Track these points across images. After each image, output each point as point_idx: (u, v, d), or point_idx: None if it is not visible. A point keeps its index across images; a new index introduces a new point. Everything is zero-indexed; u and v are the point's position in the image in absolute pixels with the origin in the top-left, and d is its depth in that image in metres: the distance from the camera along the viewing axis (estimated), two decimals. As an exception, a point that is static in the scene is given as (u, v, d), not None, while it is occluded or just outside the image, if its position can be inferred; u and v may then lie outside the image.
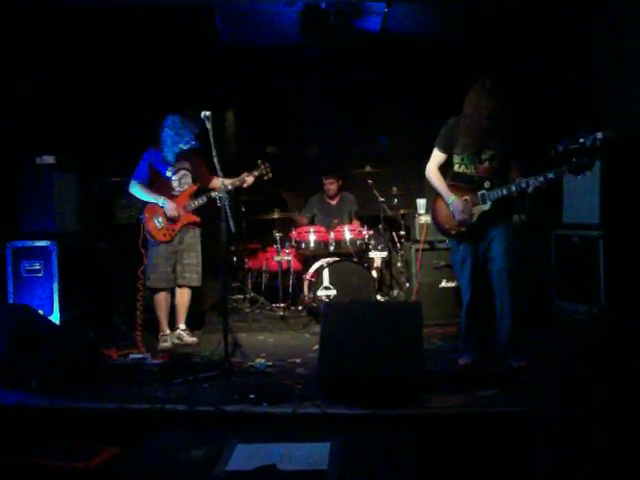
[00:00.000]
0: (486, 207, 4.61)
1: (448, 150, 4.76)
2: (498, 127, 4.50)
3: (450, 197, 4.72)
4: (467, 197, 4.66)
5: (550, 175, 4.38)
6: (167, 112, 5.94)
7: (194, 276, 5.93)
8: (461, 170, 4.71)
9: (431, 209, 5.03)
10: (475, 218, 4.65)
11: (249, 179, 5.95)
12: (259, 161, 6.08)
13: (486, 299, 4.76)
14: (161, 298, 5.89)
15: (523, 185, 4.44)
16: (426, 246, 6.52)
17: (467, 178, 4.70)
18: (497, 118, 4.47)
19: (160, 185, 5.85)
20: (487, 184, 4.60)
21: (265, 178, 6.10)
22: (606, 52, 6.09)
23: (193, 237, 5.95)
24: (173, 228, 5.78)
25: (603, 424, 1.16)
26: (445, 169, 4.85)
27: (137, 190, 5.83)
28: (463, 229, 4.70)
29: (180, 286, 5.93)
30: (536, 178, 4.40)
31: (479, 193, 4.62)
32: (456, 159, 4.72)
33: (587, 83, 6.43)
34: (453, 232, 4.79)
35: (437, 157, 4.83)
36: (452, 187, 4.76)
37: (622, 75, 5.80)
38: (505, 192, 4.52)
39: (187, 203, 5.84)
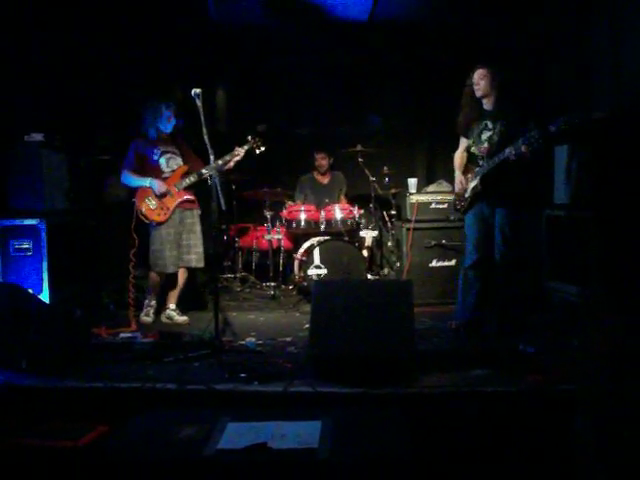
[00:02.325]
0: (474, 182, 5.02)
1: (465, 133, 5.21)
2: (490, 109, 4.99)
3: (456, 172, 5.29)
4: (469, 174, 5.13)
5: (522, 141, 4.58)
6: (156, 91, 5.91)
7: (193, 257, 5.90)
8: (472, 151, 5.12)
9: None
10: (469, 193, 5.08)
11: (240, 151, 5.86)
12: (249, 137, 6.00)
13: (487, 265, 5.05)
14: (163, 277, 5.94)
15: (503, 156, 4.73)
16: (417, 225, 6.52)
17: (475, 158, 5.11)
18: (478, 95, 4.98)
19: (149, 170, 5.83)
20: (481, 162, 5.00)
21: (257, 152, 6.00)
22: (602, 32, 6.05)
23: (192, 217, 5.93)
24: (167, 207, 5.74)
25: None
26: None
27: (127, 178, 5.82)
28: (463, 203, 5.17)
29: (179, 267, 5.92)
30: (513, 145, 4.65)
31: (475, 170, 5.06)
32: (470, 142, 5.15)
33: (582, 64, 6.39)
34: (458, 207, 5.28)
35: (461, 142, 5.31)
36: (466, 167, 5.22)
37: (616, 56, 5.77)
38: (490, 164, 4.87)
39: (178, 182, 5.81)
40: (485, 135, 4.99)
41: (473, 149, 5.09)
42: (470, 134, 5.12)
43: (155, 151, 5.84)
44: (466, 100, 5.09)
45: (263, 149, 6.01)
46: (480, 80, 4.91)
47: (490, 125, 4.97)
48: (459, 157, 5.30)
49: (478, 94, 4.97)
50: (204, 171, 5.72)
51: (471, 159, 5.16)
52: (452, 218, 6.32)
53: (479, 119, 5.05)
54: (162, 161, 5.84)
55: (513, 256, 4.93)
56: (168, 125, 5.84)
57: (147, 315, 5.90)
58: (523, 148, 4.55)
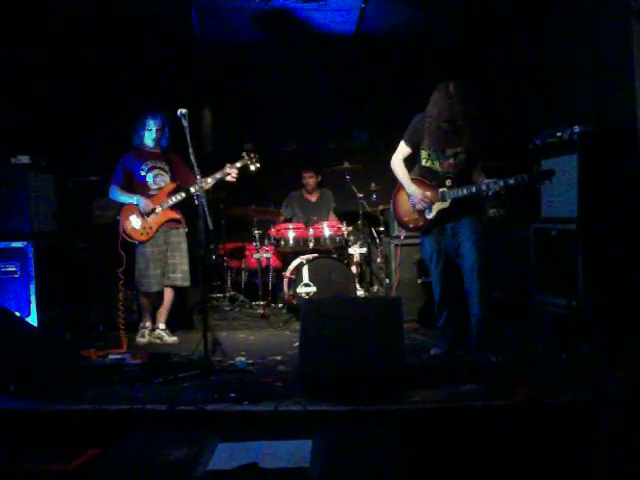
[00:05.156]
0: (445, 205, 4.78)
1: (414, 144, 4.91)
2: (459, 129, 4.58)
3: (411, 187, 4.90)
4: (428, 192, 4.82)
5: (510, 181, 4.53)
6: (143, 110, 5.90)
7: (178, 276, 5.88)
8: (428, 165, 4.88)
9: (392, 202, 5.20)
10: (434, 214, 4.83)
11: (232, 170, 5.77)
12: (243, 153, 5.89)
13: (457, 293, 4.91)
14: (150, 297, 5.90)
15: (483, 188, 4.62)
16: (405, 241, 6.52)
17: (433, 173, 4.87)
18: (457, 121, 4.55)
19: (136, 186, 5.82)
20: (448, 182, 4.79)
21: (252, 168, 5.90)
22: (581, 48, 6.12)
23: (177, 236, 5.90)
24: (151, 226, 5.73)
25: None
26: (412, 164, 5.01)
27: (115, 194, 5.83)
28: (421, 223, 4.91)
29: (165, 286, 5.89)
30: (496, 182, 4.56)
31: (440, 190, 4.80)
32: (423, 154, 4.88)
33: (564, 77, 6.46)
34: (411, 225, 5.04)
35: (402, 150, 4.99)
36: (416, 181, 4.93)
37: (598, 70, 5.84)
38: (465, 192, 4.70)
39: (164, 200, 5.79)
40: (450, 152, 4.73)
41: (429, 163, 4.83)
42: (424, 145, 4.81)
43: (143, 167, 5.83)
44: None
45: (259, 165, 5.92)
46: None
47: (456, 142, 4.67)
48: (403, 166, 4.97)
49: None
50: (192, 189, 5.68)
51: (422, 173, 4.91)
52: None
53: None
54: (149, 178, 5.83)
55: (484, 259, 4.73)
56: (151, 136, 5.82)
57: (142, 337, 5.87)
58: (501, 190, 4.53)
